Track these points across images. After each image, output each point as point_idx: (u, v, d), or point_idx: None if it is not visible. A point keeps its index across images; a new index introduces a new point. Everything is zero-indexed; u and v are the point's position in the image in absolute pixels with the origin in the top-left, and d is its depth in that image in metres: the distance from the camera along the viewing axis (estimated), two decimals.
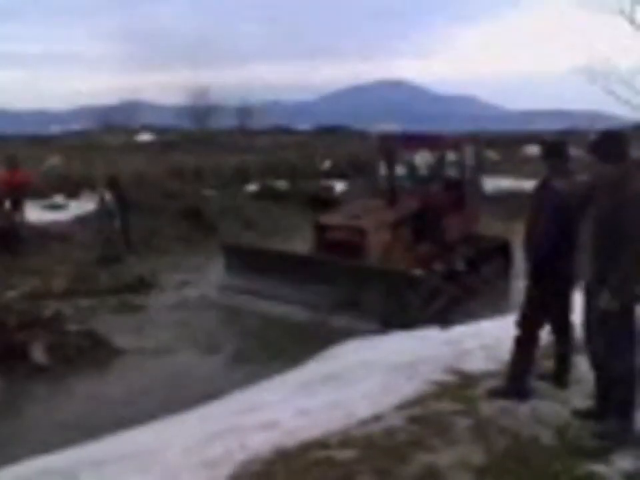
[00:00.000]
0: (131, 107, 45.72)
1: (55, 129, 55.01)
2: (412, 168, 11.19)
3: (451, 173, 10.62)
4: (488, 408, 4.22)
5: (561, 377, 4.62)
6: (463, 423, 3.98)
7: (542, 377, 4.68)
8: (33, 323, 7.62)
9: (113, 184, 13.11)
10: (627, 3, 6.20)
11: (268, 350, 7.54)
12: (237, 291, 9.21)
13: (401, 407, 4.35)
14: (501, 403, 4.28)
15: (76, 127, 46.57)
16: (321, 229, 9.27)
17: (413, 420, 4.06)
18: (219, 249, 10.38)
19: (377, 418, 4.16)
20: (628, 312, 3.67)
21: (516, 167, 22.79)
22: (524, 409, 4.19)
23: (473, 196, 10.63)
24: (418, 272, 8.11)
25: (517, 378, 4.51)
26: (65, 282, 9.98)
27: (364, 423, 4.11)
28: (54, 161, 21.78)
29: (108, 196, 13.23)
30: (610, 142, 3.78)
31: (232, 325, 8.71)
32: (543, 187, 4.54)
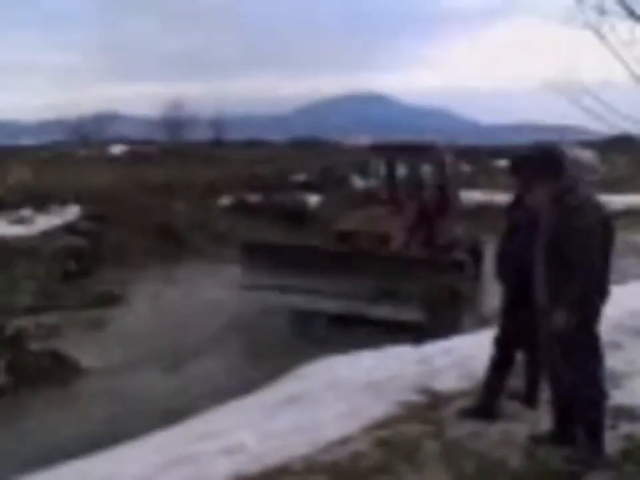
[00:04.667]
0: (105, 119, 44.99)
1: (25, 140, 54.00)
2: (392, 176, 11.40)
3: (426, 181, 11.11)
4: (457, 430, 4.12)
5: (531, 397, 4.54)
6: (430, 446, 3.87)
7: (512, 397, 4.60)
8: None
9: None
10: (592, 15, 6.28)
11: (240, 367, 7.38)
12: (262, 288, 9.00)
13: (369, 429, 4.23)
14: (471, 425, 4.19)
15: (48, 138, 45.80)
16: (341, 236, 9.45)
17: (380, 444, 3.93)
18: (235, 249, 10.18)
19: (343, 442, 4.03)
20: (588, 331, 3.58)
21: (488, 180, 22.91)
22: (493, 430, 4.09)
23: (454, 203, 11.04)
24: (463, 257, 8.46)
25: (489, 398, 4.42)
26: (28, 298, 9.71)
27: (330, 447, 3.98)
28: (21, 173, 21.31)
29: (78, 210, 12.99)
30: (545, 160, 3.67)
31: (209, 338, 8.52)
32: (515, 205, 4.46)
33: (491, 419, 4.27)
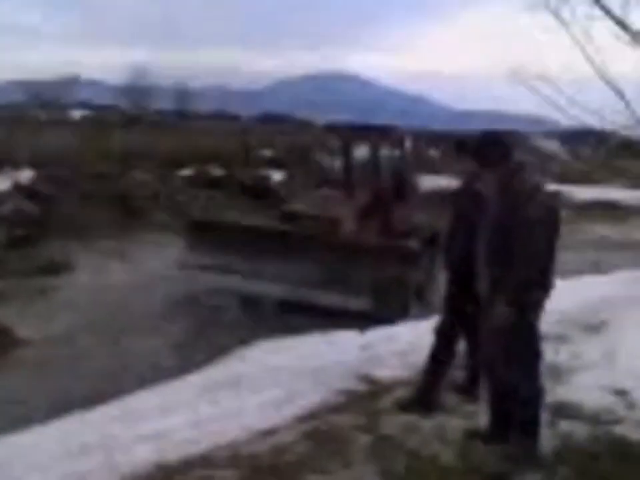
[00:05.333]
0: (69, 83, 43.71)
1: None
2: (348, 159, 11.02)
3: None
4: (391, 423, 3.94)
5: (472, 390, 4.39)
6: (361, 439, 3.68)
7: (453, 389, 4.45)
8: None
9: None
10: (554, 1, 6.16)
11: (182, 344, 7.13)
12: (204, 269, 8.57)
13: (300, 419, 4.03)
14: (406, 417, 4.01)
15: (6, 100, 44.27)
16: (286, 217, 9.01)
17: (309, 436, 3.73)
18: (180, 226, 9.71)
19: (271, 432, 3.82)
20: (527, 324, 3.43)
21: (455, 166, 22.86)
22: (428, 424, 3.93)
23: (413, 189, 10.66)
24: (415, 245, 8.20)
25: (428, 389, 4.26)
26: None
27: (257, 437, 3.77)
28: None
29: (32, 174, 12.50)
30: (490, 145, 3.53)
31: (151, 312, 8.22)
32: (464, 190, 4.28)
33: (428, 412, 4.11)
